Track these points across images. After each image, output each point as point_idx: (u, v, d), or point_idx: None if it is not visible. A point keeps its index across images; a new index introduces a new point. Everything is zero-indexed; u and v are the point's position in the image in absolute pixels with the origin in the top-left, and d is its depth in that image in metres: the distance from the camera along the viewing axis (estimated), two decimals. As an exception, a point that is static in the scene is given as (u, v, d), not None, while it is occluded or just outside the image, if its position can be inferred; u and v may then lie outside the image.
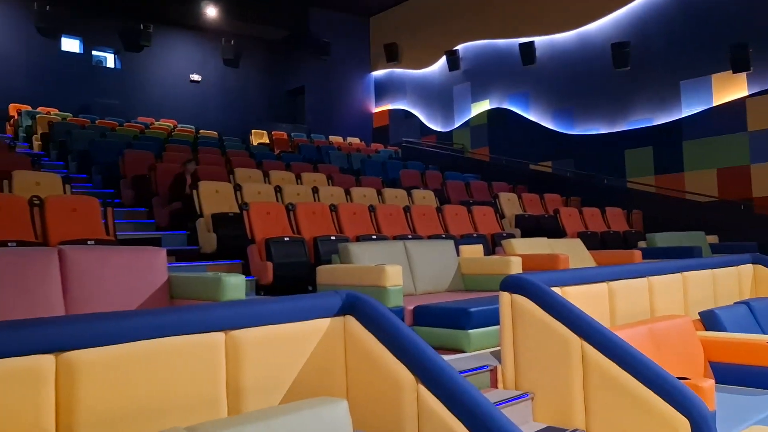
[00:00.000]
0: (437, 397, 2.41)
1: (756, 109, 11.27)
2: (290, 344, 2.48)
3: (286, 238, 6.14)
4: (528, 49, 14.59)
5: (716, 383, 3.82)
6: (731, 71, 11.31)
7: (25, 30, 15.88)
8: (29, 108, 13.93)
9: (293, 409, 2.17)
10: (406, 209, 7.82)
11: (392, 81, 19.04)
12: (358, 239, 6.53)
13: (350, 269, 4.73)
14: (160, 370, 2.12)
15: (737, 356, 4.19)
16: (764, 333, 4.92)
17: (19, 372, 1.85)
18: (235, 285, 3.51)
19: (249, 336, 2.36)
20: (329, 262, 5.56)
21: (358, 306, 2.67)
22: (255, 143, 15.09)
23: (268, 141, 15.55)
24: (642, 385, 3.09)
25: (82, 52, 16.97)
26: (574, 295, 3.86)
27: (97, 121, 13.48)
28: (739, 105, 11.49)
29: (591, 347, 3.28)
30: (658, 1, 12.75)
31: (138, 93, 17.50)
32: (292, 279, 5.89)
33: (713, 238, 9.87)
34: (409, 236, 7.07)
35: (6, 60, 15.47)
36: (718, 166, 11.70)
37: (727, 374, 4.19)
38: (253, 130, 16.31)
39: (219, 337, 2.29)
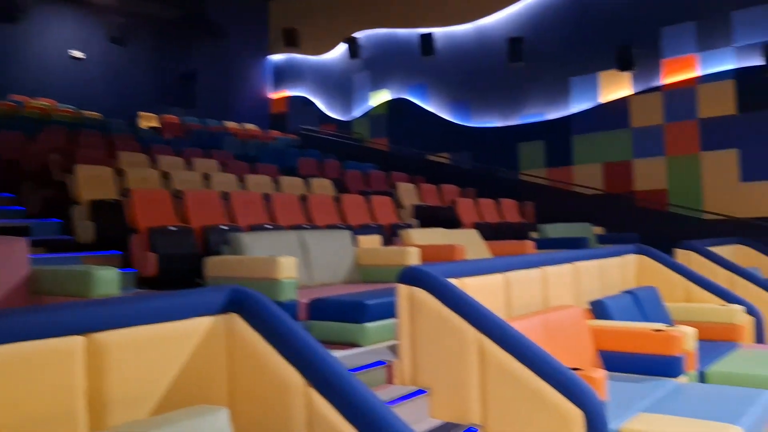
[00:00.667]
0: (328, 400, 2.23)
1: (639, 107, 11.88)
2: (164, 347, 2.21)
3: (172, 228, 5.73)
4: (427, 40, 14.65)
5: (606, 371, 3.89)
6: (617, 70, 11.85)
7: None
8: None
9: (166, 421, 1.92)
10: (303, 198, 7.58)
11: (291, 67, 18.61)
12: (251, 229, 6.22)
13: (241, 261, 4.44)
14: (5, 382, 1.80)
15: (624, 344, 4.30)
16: (648, 321, 5.11)
17: None
18: (106, 279, 3.15)
19: (115, 339, 2.07)
20: (219, 253, 5.23)
21: (244, 302, 2.44)
22: (143, 127, 14.23)
23: (157, 125, 14.72)
24: (538, 377, 3.05)
25: (-55, 21, 15.32)
26: (471, 286, 3.80)
27: (-39, 98, 12.21)
28: (623, 103, 12.07)
29: (489, 340, 3.22)
30: (552, -2, 13.17)
31: (11, 69, 16.05)
32: (178, 272, 5.50)
33: (599, 229, 10.32)
34: (306, 226, 6.84)
35: None
36: (604, 161, 12.26)
37: (615, 362, 4.30)
38: (140, 113, 15.39)
39: (76, 341, 1.98)
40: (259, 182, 8.47)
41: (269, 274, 4.16)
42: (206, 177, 7.94)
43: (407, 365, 3.49)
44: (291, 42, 17.90)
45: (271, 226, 6.46)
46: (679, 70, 11.51)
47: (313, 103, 17.88)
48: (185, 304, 2.31)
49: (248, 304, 2.43)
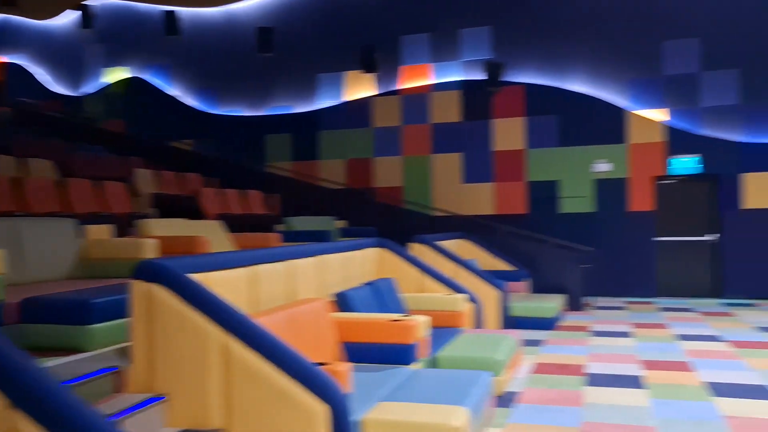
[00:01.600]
0: (39, 424, 1.85)
1: (381, 108, 12.58)
2: None
3: None
4: (171, 18, 13.75)
5: (349, 363, 3.96)
6: (362, 71, 12.39)
7: None
8: None
9: None
10: (17, 181, 6.53)
11: (8, 29, 16.12)
12: (-55, 215, 5.16)
13: (-74, 254, 3.62)
14: None
15: (365, 335, 4.44)
16: (387, 311, 5.37)
17: None
18: None
19: None
20: None
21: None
22: None
23: None
24: (284, 375, 2.96)
25: None
26: (216, 281, 3.57)
27: None
28: (366, 103, 12.67)
29: (233, 339, 3.04)
30: (302, -7, 13.30)
31: None
32: None
33: (341, 223, 10.69)
34: (20, 214, 5.89)
35: None
36: (348, 157, 12.75)
37: (357, 353, 4.41)
38: None
39: None
40: (-42, 160, 7.12)
41: (-34, 270, 3.44)
42: None
43: (141, 371, 3.15)
44: (7, 0, 15.47)
45: (-28, 213, 5.44)
46: (416, 77, 12.45)
47: (34, 75, 15.71)
48: None
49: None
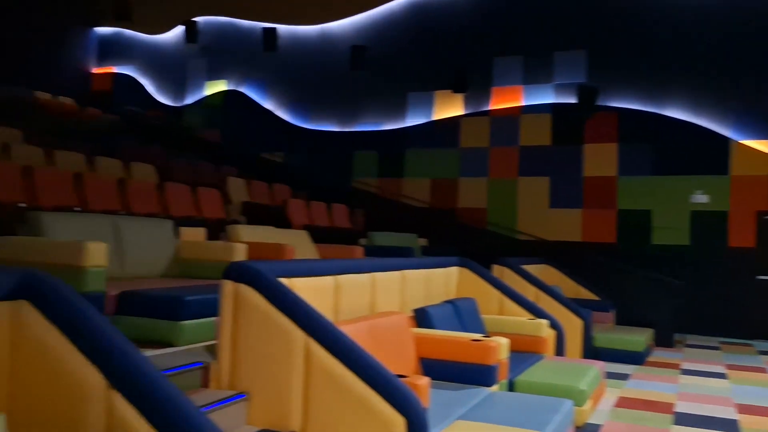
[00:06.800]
0: (133, 405, 1.93)
1: (469, 129, 12.53)
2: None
3: (-44, 201, 4.91)
4: (270, 35, 14.28)
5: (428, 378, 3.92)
6: (451, 91, 12.38)
7: None
8: None
9: None
10: (121, 182, 6.92)
11: (120, 42, 17.22)
12: (56, 210, 5.52)
13: (38, 243, 3.87)
14: None
15: (444, 352, 4.38)
16: (466, 330, 5.29)
17: None
18: None
19: None
20: (13, 233, 4.55)
21: (38, 288, 2.05)
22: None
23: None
24: (364, 383, 2.96)
25: None
26: (301, 287, 3.63)
27: None
28: (454, 123, 12.66)
29: (316, 344, 3.07)
30: (397, 12, 13.49)
31: None
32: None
33: (423, 241, 10.67)
34: (122, 213, 6.23)
35: None
36: (433, 176, 12.75)
37: (435, 369, 4.36)
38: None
39: None
40: (70, 160, 7.62)
41: (73, 260, 3.66)
42: (4, 148, 6.96)
43: (225, 368, 3.23)
44: (122, 15, 16.52)
45: (80, 210, 5.79)
46: (506, 99, 12.33)
47: (141, 85, 16.67)
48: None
49: (43, 290, 2.05)
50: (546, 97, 11.99)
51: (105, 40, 17.49)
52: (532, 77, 12.14)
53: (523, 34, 12.24)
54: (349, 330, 3.58)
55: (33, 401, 1.98)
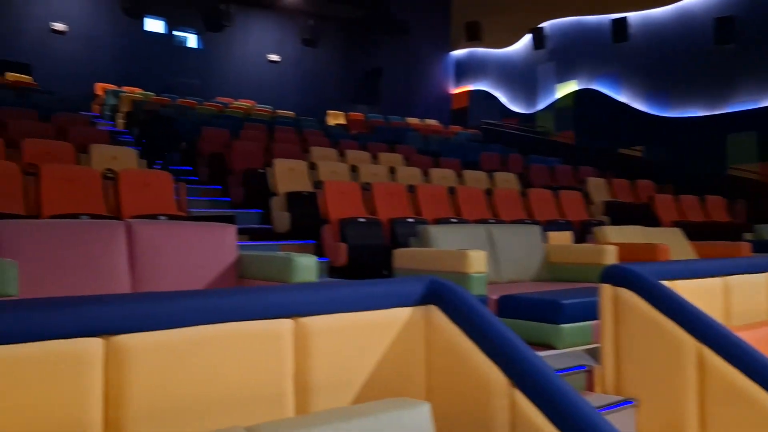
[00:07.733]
0: (535, 404, 2.05)
1: None
2: (365, 336, 2.18)
3: (362, 219, 5.87)
4: (620, 25, 13.71)
5: None
6: None
7: (111, 11, 16.28)
8: (114, 87, 14.27)
9: (369, 410, 1.87)
10: (488, 192, 7.41)
11: (473, 61, 18.47)
12: (437, 223, 6.19)
13: (429, 253, 4.39)
14: (220, 359, 1.86)
15: None
16: None
17: (63, 356, 1.63)
18: (306, 266, 3.24)
19: (319, 324, 2.07)
20: (406, 245, 5.24)
21: (443, 294, 2.34)
22: (331, 124, 14.94)
23: (344, 122, 15.38)
24: (772, 398, 2.62)
25: (165, 32, 17.28)
26: (684, 290, 3.38)
27: (178, 101, 13.66)
28: None
29: (710, 351, 2.83)
30: (770, -30, 11.67)
31: (218, 73, 17.69)
32: (366, 262, 5.62)
33: (828, 232, 8.92)
34: (491, 220, 6.67)
35: (92, 40, 15.90)
36: (835, 153, 10.63)
37: None
38: (329, 111, 16.18)
39: (287, 323, 2.01)
40: (442, 176, 8.44)
41: (459, 267, 4.06)
42: (392, 170, 8.06)
43: (610, 372, 3.20)
44: (474, 36, 17.76)
45: (456, 220, 6.38)
46: None
47: (494, 97, 17.61)
48: (385, 293, 2.26)
49: (447, 296, 2.32)
50: None
51: (460, 62, 18.96)
52: None
53: None
54: (748, 336, 3.21)
55: (447, 394, 2.26)
